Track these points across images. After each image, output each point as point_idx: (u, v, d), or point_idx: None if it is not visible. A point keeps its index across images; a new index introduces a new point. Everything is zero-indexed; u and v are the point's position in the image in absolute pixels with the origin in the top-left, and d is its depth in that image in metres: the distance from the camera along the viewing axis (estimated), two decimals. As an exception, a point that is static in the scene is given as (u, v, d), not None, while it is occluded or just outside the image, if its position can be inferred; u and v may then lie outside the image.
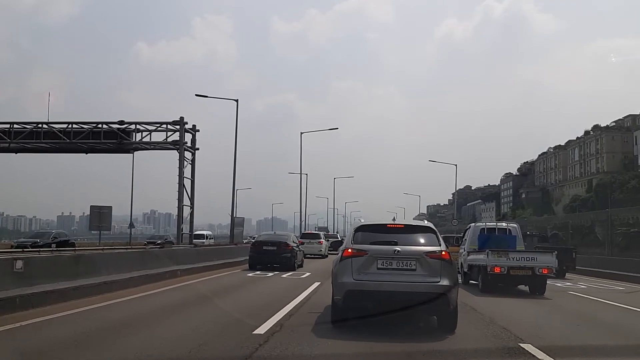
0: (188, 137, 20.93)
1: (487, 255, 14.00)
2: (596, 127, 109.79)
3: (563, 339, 7.88)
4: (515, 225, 17.49)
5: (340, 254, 7.92)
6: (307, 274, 17.40)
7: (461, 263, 16.71)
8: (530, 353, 6.45)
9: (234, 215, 27.65)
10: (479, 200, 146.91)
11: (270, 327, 7.56)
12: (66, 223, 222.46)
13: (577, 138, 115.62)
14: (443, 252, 7.56)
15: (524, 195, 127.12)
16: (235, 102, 27.37)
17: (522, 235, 17.41)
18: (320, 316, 8.59)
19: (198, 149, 21.26)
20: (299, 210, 42.88)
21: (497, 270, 13.73)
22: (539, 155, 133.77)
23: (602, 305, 12.40)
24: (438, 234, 8.05)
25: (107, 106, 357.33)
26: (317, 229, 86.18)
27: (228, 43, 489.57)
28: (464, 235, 18.59)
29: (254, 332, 7.15)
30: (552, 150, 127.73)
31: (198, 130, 20.97)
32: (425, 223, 8.87)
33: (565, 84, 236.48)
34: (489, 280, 14.06)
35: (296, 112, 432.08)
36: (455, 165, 50.48)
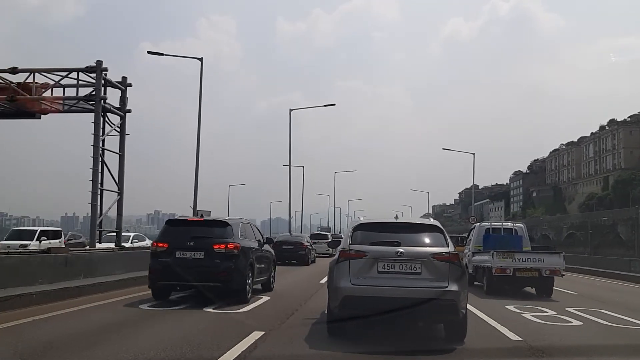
0: (116, 96, 15.23)
1: (492, 256, 13.40)
2: (612, 122, 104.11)
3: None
4: (521, 225, 16.71)
5: (336, 256, 7.12)
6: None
7: (465, 264, 14.50)
8: None
9: (197, 209, 22.02)
10: (487, 200, 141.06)
11: None
12: (70, 223, 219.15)
13: (592, 134, 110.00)
14: (452, 254, 6.80)
15: (534, 194, 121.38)
16: (200, 61, 22.45)
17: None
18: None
19: (129, 110, 15.58)
20: (289, 203, 37.06)
21: (502, 271, 13.21)
22: (550, 153, 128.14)
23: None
24: (445, 233, 7.19)
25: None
26: (319, 228, 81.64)
27: (232, 43, 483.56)
28: (468, 235, 17.83)
29: None
30: (564, 146, 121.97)
31: (130, 85, 15.35)
32: (432, 221, 7.84)
33: (571, 83, 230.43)
34: (494, 282, 13.52)
35: (300, 112, 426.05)
36: (473, 154, 45.04)
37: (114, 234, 17.59)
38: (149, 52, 21.75)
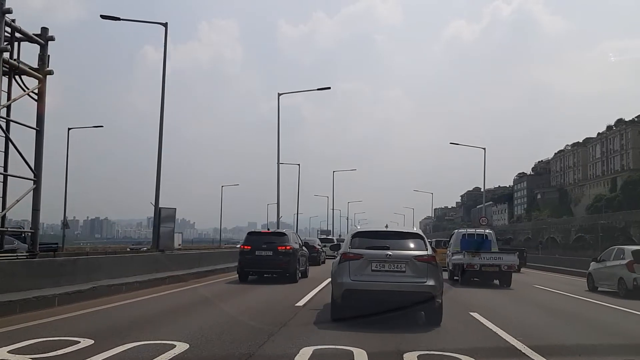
0: (31, 52, 11.83)
1: (464, 256, 17.07)
2: (620, 122, 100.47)
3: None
4: (490, 231, 20.42)
5: (338, 257, 8.65)
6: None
7: (447, 262, 19.28)
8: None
9: (159, 206, 17.84)
10: (490, 202, 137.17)
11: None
12: (70, 227, 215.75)
13: (599, 134, 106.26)
14: (430, 256, 8.24)
15: (539, 196, 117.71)
16: (164, 27, 19.22)
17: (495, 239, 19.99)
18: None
19: (51, 72, 12.20)
20: (277, 201, 33.31)
21: (471, 267, 16.77)
22: (555, 154, 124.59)
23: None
24: (425, 239, 8.70)
25: (114, 108, 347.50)
26: (320, 232, 78.37)
27: (235, 46, 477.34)
28: (449, 239, 21.37)
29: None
30: (569, 147, 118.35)
31: (51, 39, 12.01)
32: (414, 230, 9.60)
33: (574, 85, 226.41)
34: (465, 275, 16.97)
35: (303, 114, 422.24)
36: (484, 148, 41.79)
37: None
38: (102, 17, 18.44)
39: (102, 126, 35.66)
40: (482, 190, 60.76)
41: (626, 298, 14.23)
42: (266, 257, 15.48)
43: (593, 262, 17.83)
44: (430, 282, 7.95)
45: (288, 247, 15.73)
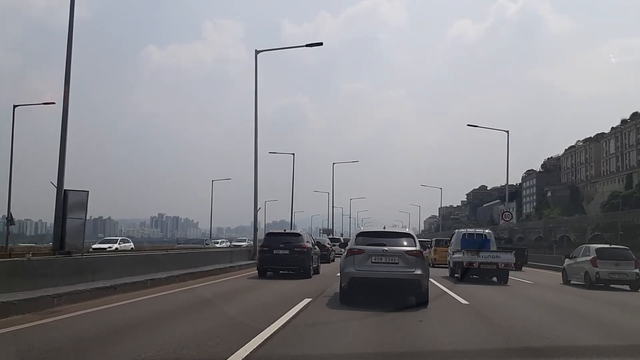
0: None
1: (463, 254, 18.19)
2: (635, 115, 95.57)
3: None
4: (489, 231, 21.63)
5: (345, 252, 10.80)
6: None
7: (449, 260, 20.57)
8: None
9: (64, 187, 12.81)
10: (497, 200, 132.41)
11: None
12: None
13: (612, 128, 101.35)
14: (418, 251, 10.35)
15: (549, 194, 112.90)
16: None
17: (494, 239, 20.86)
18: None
19: None
20: (254, 192, 28.47)
21: (470, 265, 17.75)
22: (566, 150, 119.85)
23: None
24: (415, 238, 10.81)
25: (117, 109, 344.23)
26: (321, 231, 74.75)
27: (239, 46, 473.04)
28: (451, 239, 22.46)
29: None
30: (581, 143, 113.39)
31: None
32: (407, 230, 11.50)
33: (580, 84, 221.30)
34: (465, 272, 17.79)
35: (307, 115, 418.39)
36: (507, 131, 38.94)
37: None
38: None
39: (54, 103, 31.15)
40: (487, 189, 55.93)
41: (590, 289, 16.94)
42: (283, 256, 17.32)
43: (567, 259, 20.08)
44: (418, 272, 10.09)
45: (303, 246, 17.63)
